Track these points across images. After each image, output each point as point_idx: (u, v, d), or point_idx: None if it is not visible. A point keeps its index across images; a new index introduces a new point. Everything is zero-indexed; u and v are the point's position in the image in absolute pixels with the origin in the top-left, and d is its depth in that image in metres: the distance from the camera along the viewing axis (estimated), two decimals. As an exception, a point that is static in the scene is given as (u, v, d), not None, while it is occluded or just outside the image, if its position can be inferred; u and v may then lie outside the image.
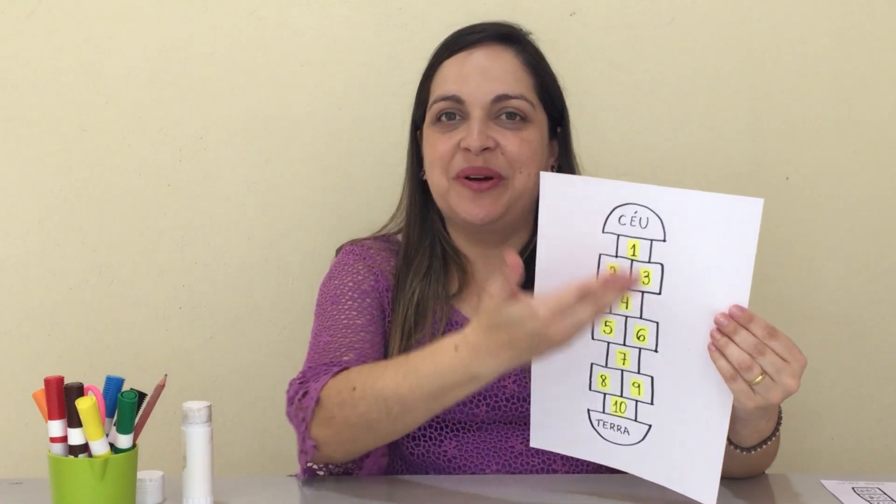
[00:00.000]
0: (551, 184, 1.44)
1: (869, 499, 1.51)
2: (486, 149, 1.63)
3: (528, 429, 1.65)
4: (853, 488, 1.55)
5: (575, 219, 1.42)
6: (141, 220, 2.04)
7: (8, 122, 2.01)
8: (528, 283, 1.70)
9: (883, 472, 1.67)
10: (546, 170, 1.70)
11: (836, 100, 2.07)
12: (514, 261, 1.32)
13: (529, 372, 1.65)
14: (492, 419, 1.66)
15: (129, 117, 2.02)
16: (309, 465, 1.55)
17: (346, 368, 1.53)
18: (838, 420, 2.14)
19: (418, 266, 1.71)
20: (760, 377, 1.35)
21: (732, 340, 1.35)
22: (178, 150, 2.03)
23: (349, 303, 1.67)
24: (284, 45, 2.02)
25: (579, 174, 1.74)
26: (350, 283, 1.70)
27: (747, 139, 2.07)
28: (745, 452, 1.49)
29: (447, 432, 1.66)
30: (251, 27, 2.02)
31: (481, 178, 1.64)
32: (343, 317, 1.65)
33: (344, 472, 1.59)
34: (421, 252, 1.72)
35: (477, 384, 1.39)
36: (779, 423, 1.52)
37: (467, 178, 1.64)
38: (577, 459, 1.65)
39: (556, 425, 1.50)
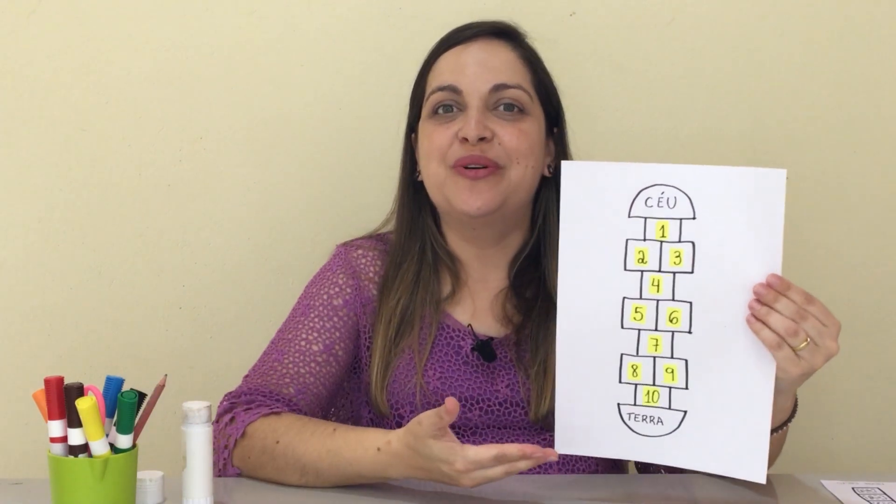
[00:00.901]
0: (572, 172, 1.44)
1: (869, 499, 1.51)
2: (483, 139, 1.62)
3: (522, 433, 1.65)
4: (853, 488, 1.55)
5: (598, 206, 1.42)
6: (141, 220, 2.03)
7: (8, 122, 2.01)
8: (523, 284, 1.71)
9: (883, 472, 1.67)
10: (542, 169, 1.70)
11: (836, 100, 2.07)
12: (453, 406, 1.38)
13: (522, 377, 1.65)
14: (485, 423, 1.66)
15: (129, 117, 2.02)
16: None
17: (277, 413, 1.57)
18: (838, 420, 2.14)
19: (406, 272, 1.70)
20: (805, 342, 1.38)
21: (774, 309, 1.37)
22: (178, 150, 2.03)
23: (314, 320, 1.69)
24: (284, 45, 2.02)
25: None
26: (324, 297, 1.71)
27: (747, 139, 2.07)
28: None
29: None
30: (251, 27, 2.02)
31: (478, 167, 1.63)
32: (302, 337, 1.68)
33: None
34: (409, 258, 1.71)
35: (385, 480, 1.52)
36: (795, 408, 1.53)
37: (464, 167, 1.63)
38: (575, 462, 1.65)
39: (583, 426, 1.48)
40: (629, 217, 1.41)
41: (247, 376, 1.68)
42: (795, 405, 1.53)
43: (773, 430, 1.50)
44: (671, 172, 1.39)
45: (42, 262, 2.03)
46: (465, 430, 1.66)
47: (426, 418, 1.40)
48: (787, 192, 2.13)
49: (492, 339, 1.68)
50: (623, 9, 2.04)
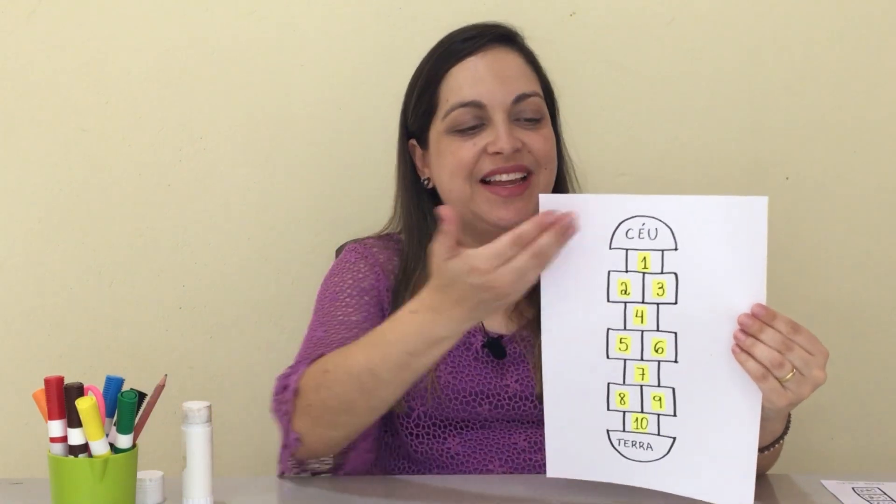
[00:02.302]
0: (550, 204, 1.40)
1: (869, 499, 1.51)
2: (515, 150, 1.63)
3: (532, 427, 1.66)
4: (853, 488, 1.55)
5: (579, 238, 1.39)
6: (141, 220, 2.04)
7: (8, 122, 2.01)
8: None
9: (883, 472, 1.67)
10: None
11: (836, 100, 2.07)
12: (448, 213, 1.35)
13: (532, 371, 1.65)
14: (495, 417, 1.66)
15: (129, 117, 2.02)
16: (290, 462, 1.55)
17: (316, 359, 1.52)
18: (838, 420, 2.14)
19: (418, 280, 1.68)
20: (791, 373, 1.35)
21: (759, 340, 1.35)
22: (178, 150, 2.03)
23: (347, 299, 1.67)
24: (284, 45, 2.02)
25: (570, 165, 1.75)
26: (350, 281, 1.70)
27: (747, 139, 2.07)
28: (759, 453, 1.48)
29: (451, 430, 1.66)
30: (251, 27, 2.02)
31: (511, 184, 1.63)
32: (340, 313, 1.65)
33: (329, 470, 1.58)
34: (420, 266, 1.70)
35: (442, 346, 1.42)
36: (788, 424, 1.52)
37: (493, 183, 1.63)
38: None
39: (573, 451, 1.48)
40: (610, 249, 1.39)
41: (296, 356, 1.63)
42: (788, 422, 1.52)
43: (765, 449, 1.50)
44: (651, 204, 1.37)
45: (42, 262, 2.03)
46: (475, 424, 1.66)
47: (435, 244, 1.36)
48: (787, 193, 2.15)
49: (502, 336, 1.68)
50: (623, 9, 2.04)
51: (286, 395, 1.52)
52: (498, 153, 1.62)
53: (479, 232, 1.68)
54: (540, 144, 1.65)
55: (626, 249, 1.38)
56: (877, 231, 2.10)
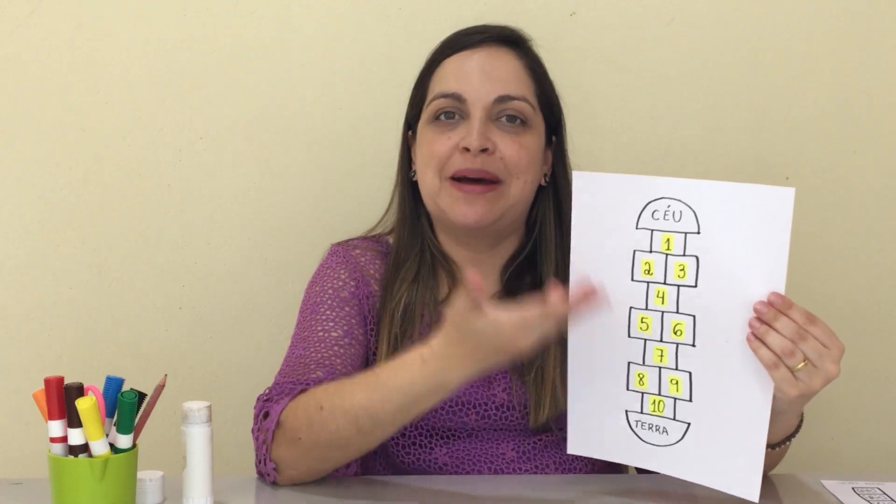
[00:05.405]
0: (584, 182, 1.45)
1: (869, 499, 1.51)
2: (484, 150, 1.61)
3: (519, 436, 1.65)
4: (853, 488, 1.55)
5: (608, 216, 1.43)
6: (141, 220, 2.03)
7: (8, 122, 2.01)
8: (517, 290, 1.69)
9: (883, 472, 1.67)
10: (539, 179, 1.69)
11: (836, 99, 2.07)
12: (475, 280, 1.33)
13: (518, 381, 1.65)
14: (482, 427, 1.65)
15: (128, 117, 2.02)
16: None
17: (305, 390, 1.52)
18: (838, 420, 2.14)
19: (407, 271, 1.69)
20: (803, 363, 1.36)
21: (772, 328, 1.35)
22: (178, 150, 2.03)
23: (327, 312, 1.65)
24: (284, 45, 2.02)
25: (570, 179, 1.74)
26: (329, 291, 1.68)
27: (747, 139, 2.07)
28: (769, 449, 1.47)
29: (437, 440, 1.65)
30: (251, 27, 2.02)
31: (475, 182, 1.62)
32: (319, 328, 1.64)
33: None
34: (411, 257, 1.70)
35: (445, 392, 1.42)
36: (800, 423, 1.52)
37: (461, 180, 1.62)
38: (572, 462, 1.65)
39: (594, 430, 1.50)
40: (637, 228, 1.41)
41: (276, 376, 1.63)
42: (801, 420, 1.52)
43: (776, 445, 1.50)
44: (677, 186, 1.39)
45: (42, 262, 2.03)
46: (462, 434, 1.65)
47: (458, 299, 1.35)
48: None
49: None
50: (623, 9, 2.04)
51: (266, 425, 1.51)
52: (466, 149, 1.61)
53: (448, 227, 1.68)
54: (513, 151, 1.63)
55: (652, 230, 1.41)
56: (877, 231, 2.10)
